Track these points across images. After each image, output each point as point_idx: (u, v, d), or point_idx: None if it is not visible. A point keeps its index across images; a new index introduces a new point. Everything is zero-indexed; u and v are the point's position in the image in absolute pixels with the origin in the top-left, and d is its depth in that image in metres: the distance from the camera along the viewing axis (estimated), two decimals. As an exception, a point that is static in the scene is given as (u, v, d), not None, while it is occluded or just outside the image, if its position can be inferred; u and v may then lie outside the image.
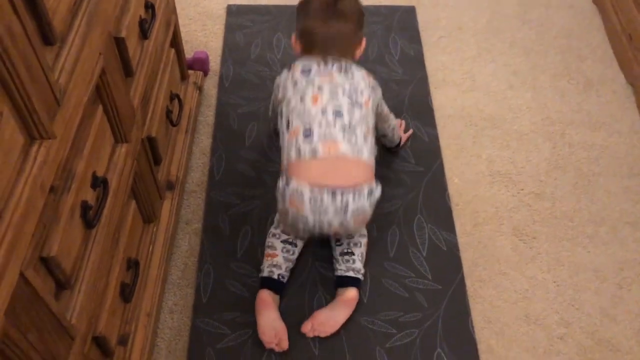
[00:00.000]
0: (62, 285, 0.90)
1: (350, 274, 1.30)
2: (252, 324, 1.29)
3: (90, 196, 0.97)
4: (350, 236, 1.34)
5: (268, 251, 1.34)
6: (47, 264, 0.84)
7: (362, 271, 1.32)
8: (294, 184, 1.19)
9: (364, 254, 1.35)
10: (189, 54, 1.74)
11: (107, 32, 1.03)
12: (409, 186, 1.53)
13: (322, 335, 1.26)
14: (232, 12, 1.93)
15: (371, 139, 1.25)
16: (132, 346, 1.21)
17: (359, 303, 1.32)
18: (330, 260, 1.37)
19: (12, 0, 0.69)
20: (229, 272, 1.37)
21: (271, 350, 1.26)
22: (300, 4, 1.32)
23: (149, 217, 1.35)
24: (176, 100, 1.49)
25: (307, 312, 1.30)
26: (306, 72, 1.27)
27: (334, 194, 1.17)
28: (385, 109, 1.40)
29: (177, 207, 1.47)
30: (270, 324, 1.26)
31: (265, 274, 1.31)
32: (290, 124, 1.23)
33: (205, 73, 1.77)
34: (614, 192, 1.55)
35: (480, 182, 1.56)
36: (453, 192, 1.54)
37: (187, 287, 1.38)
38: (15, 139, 0.72)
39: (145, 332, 1.26)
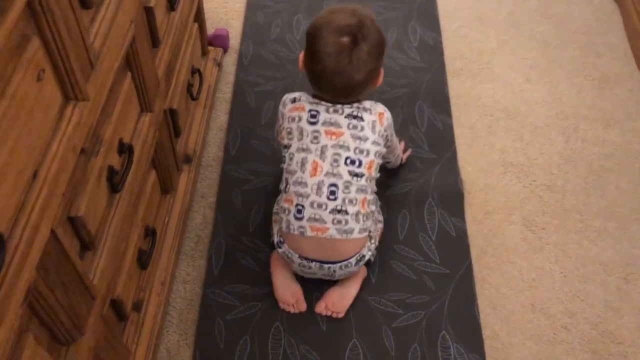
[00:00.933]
0: (86, 246, 0.92)
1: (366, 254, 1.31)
2: (261, 297, 1.32)
3: (116, 161, 0.99)
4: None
5: (275, 217, 1.34)
6: (74, 223, 0.87)
7: (374, 252, 1.33)
8: (285, 248, 1.25)
9: (378, 238, 1.36)
10: (209, 30, 1.75)
11: (139, 1, 1.05)
12: (421, 171, 1.54)
13: (337, 314, 1.29)
14: (254, -10, 1.94)
15: (366, 208, 1.21)
16: (145, 313, 1.24)
17: (368, 282, 1.35)
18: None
19: (57, -38, 0.71)
20: (241, 246, 1.40)
21: (284, 312, 1.30)
22: (312, 36, 1.15)
23: (166, 188, 1.37)
24: (197, 75, 1.51)
25: (315, 288, 1.33)
26: (313, 117, 1.19)
27: (321, 265, 1.23)
28: (394, 140, 1.34)
29: (194, 180, 1.49)
30: (287, 283, 1.30)
31: (277, 238, 1.31)
32: (288, 187, 1.21)
33: (225, 50, 1.79)
34: (625, 188, 1.56)
35: (493, 171, 1.58)
36: (465, 180, 1.55)
37: (200, 258, 1.40)
38: (54, 98, 0.74)
39: (159, 300, 1.28)
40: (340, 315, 1.29)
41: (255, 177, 1.51)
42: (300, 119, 1.21)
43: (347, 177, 1.18)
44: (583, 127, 1.68)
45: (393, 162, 1.49)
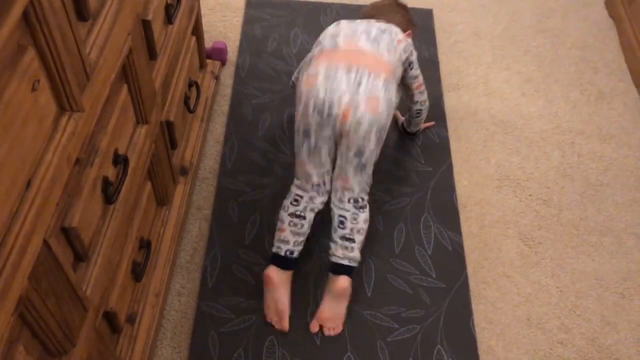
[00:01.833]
0: (80, 257, 0.92)
1: (345, 262, 1.29)
2: (256, 310, 1.31)
3: (111, 172, 0.99)
4: (354, 220, 1.31)
5: (278, 225, 1.34)
6: (68, 234, 0.86)
7: (359, 259, 1.31)
8: (312, 68, 1.27)
9: (363, 241, 1.34)
10: (208, 43, 1.76)
11: (136, 14, 1.05)
12: (417, 185, 1.54)
13: (334, 332, 1.28)
14: (252, 4, 1.95)
15: (395, 60, 1.31)
16: (139, 325, 1.23)
17: (364, 296, 1.34)
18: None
19: (54, -27, 0.71)
20: (236, 258, 1.39)
21: (272, 327, 1.29)
22: None
23: (162, 199, 1.37)
24: (194, 87, 1.51)
25: (311, 301, 1.32)
26: (350, 21, 1.37)
27: (349, 69, 1.23)
28: (420, 76, 1.46)
29: (190, 192, 1.49)
30: (273, 301, 1.29)
31: (273, 249, 1.32)
32: (321, 45, 1.32)
33: (223, 63, 1.79)
34: (621, 203, 1.56)
35: (489, 185, 1.58)
36: (461, 193, 1.56)
37: (195, 271, 1.39)
38: (48, 108, 0.74)
39: (153, 312, 1.27)
40: (338, 330, 1.28)
41: (251, 189, 1.51)
42: (325, 37, 1.36)
43: (377, 33, 1.32)
44: (579, 142, 1.69)
45: (416, 109, 1.53)
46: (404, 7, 1.52)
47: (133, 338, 1.21)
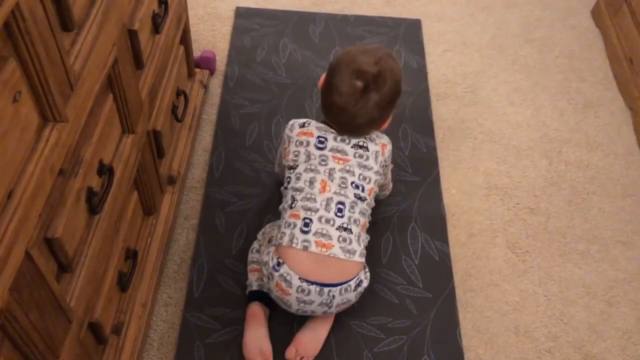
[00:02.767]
0: (64, 268, 0.91)
1: None
2: (242, 321, 1.30)
3: (95, 183, 0.99)
4: None
5: (252, 266, 1.33)
6: (51, 245, 0.86)
7: (368, 279, 1.32)
8: (284, 269, 1.17)
9: None
10: (196, 52, 1.76)
11: (122, 24, 1.05)
12: (404, 195, 1.55)
13: (308, 359, 1.26)
14: (241, 14, 1.96)
15: (364, 234, 1.23)
16: (125, 336, 1.22)
17: (350, 306, 1.34)
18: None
19: (36, -16, 0.71)
20: (223, 269, 1.39)
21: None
22: (332, 65, 1.22)
23: (149, 209, 1.37)
24: (182, 97, 1.51)
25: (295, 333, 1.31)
26: (321, 143, 1.24)
27: (321, 289, 1.16)
28: (389, 176, 1.41)
29: (177, 202, 1.49)
30: (257, 341, 1.25)
31: (254, 287, 1.30)
32: (294, 203, 1.21)
33: (212, 72, 1.79)
34: (608, 211, 1.57)
35: (477, 194, 1.59)
36: (449, 202, 1.56)
37: (183, 281, 1.39)
38: (30, 119, 0.74)
39: (139, 323, 1.27)
40: (311, 359, 1.26)
41: (239, 199, 1.51)
42: (308, 143, 1.25)
43: (352, 198, 1.21)
44: (566, 150, 1.70)
45: (383, 194, 1.50)
46: (392, 97, 1.24)
47: (119, 349, 1.20)
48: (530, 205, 1.57)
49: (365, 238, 1.24)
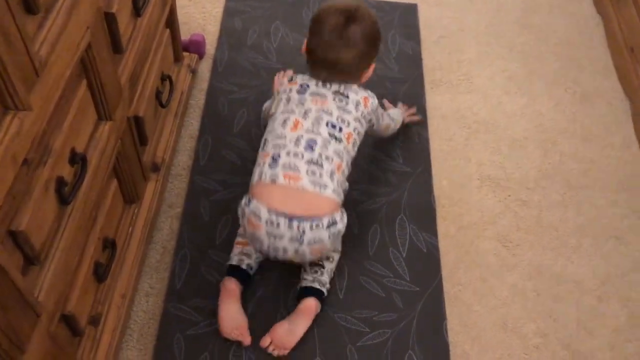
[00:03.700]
0: (31, 260, 0.88)
1: (316, 285, 1.27)
2: (226, 313, 1.28)
3: (67, 172, 0.95)
4: None
5: (239, 239, 1.32)
6: (15, 238, 0.83)
7: (328, 286, 1.30)
8: (253, 204, 1.17)
9: (334, 269, 1.32)
10: (185, 35, 1.72)
11: (97, 6, 1.01)
12: (394, 185, 1.51)
13: (281, 352, 1.23)
14: (232, -4, 1.91)
15: (340, 176, 1.20)
16: (103, 327, 1.20)
17: (335, 298, 1.31)
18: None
19: (-9, -35, 0.67)
20: (206, 259, 1.36)
21: (235, 341, 1.25)
22: (314, 18, 1.26)
23: (131, 197, 1.33)
24: (167, 82, 1.47)
25: (280, 318, 1.28)
26: (303, 89, 1.26)
27: (291, 220, 1.14)
28: (385, 121, 1.40)
29: (161, 189, 1.46)
30: (231, 315, 1.24)
31: (234, 261, 1.29)
32: (265, 145, 1.23)
33: (201, 56, 1.75)
34: (601, 205, 1.54)
35: (468, 185, 1.55)
36: (439, 194, 1.53)
37: (165, 270, 1.36)
38: (-14, 108, 0.71)
39: (118, 314, 1.24)
40: (285, 352, 1.23)
41: (224, 188, 1.48)
42: (291, 90, 1.27)
43: (326, 136, 1.21)
44: (561, 141, 1.66)
45: (392, 132, 1.51)
46: (372, 39, 1.26)
47: (96, 340, 1.18)
48: (522, 197, 1.54)
49: (342, 181, 1.22)
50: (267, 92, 1.66)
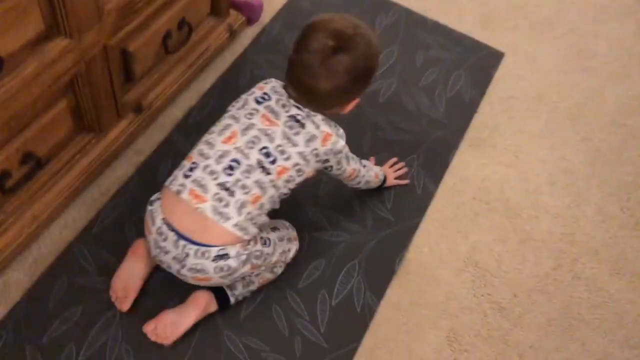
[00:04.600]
0: None
1: (225, 287, 1.16)
2: (123, 278, 1.19)
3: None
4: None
5: None
6: None
7: (239, 298, 1.18)
8: (155, 206, 1.09)
9: (254, 288, 1.20)
10: (245, -5, 1.63)
11: None
12: (366, 228, 1.34)
13: (163, 341, 1.13)
14: (317, -24, 1.79)
15: (255, 210, 1.06)
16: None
17: (234, 315, 1.18)
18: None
19: None
20: (136, 218, 1.27)
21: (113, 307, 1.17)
22: (305, 28, 1.07)
23: (90, 126, 1.28)
24: (186, 30, 1.39)
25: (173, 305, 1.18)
26: (263, 99, 1.10)
27: (179, 238, 1.04)
28: (349, 169, 1.19)
29: (135, 132, 1.39)
30: (127, 275, 1.17)
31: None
32: (197, 144, 1.11)
33: (252, 21, 1.66)
34: (591, 351, 1.27)
35: (450, 263, 1.34)
36: (413, 259, 1.33)
37: (93, 211, 1.30)
38: None
39: (21, 232, 1.20)
40: (167, 342, 1.13)
41: (193, 156, 1.38)
42: (253, 93, 1.13)
43: (253, 162, 1.06)
44: (584, 262, 1.39)
45: (365, 188, 1.32)
46: (360, 75, 1.08)
47: (-16, 249, 1.14)
48: (502, 303, 1.31)
49: (255, 215, 1.06)
50: (292, 81, 1.54)
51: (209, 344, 1.15)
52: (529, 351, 1.25)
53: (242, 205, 1.04)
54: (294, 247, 1.23)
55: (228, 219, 1.04)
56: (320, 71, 1.03)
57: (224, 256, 1.05)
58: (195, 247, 1.04)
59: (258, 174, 1.06)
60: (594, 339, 1.29)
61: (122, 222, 1.27)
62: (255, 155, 1.06)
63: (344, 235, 1.32)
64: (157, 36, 1.31)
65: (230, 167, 1.05)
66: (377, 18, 1.73)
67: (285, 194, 1.12)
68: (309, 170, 1.11)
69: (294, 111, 1.08)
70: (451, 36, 1.73)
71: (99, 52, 1.16)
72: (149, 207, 1.11)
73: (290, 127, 1.07)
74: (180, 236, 1.05)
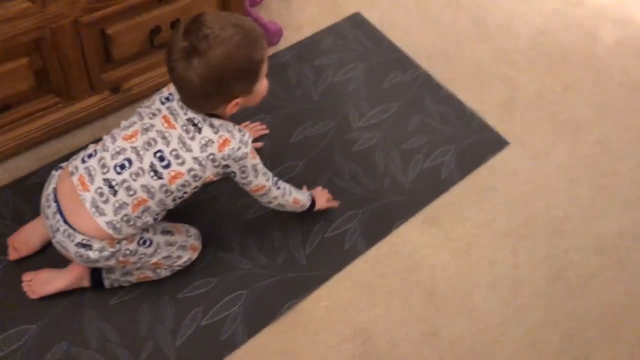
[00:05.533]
0: None
1: (104, 271, 1.22)
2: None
3: None
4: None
5: None
6: None
7: (113, 284, 1.23)
8: (56, 174, 1.15)
9: (134, 279, 1.24)
10: (270, 16, 1.68)
11: None
12: (274, 264, 1.32)
13: (30, 294, 1.21)
14: (350, 20, 1.80)
15: (136, 213, 1.08)
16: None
17: (103, 300, 1.22)
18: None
19: None
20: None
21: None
22: (179, 24, 1.02)
23: (58, 90, 1.38)
24: (179, 30, 1.46)
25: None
26: (168, 99, 1.10)
27: (55, 213, 1.09)
28: (255, 181, 1.15)
29: (107, 109, 1.48)
30: (30, 232, 1.25)
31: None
32: (106, 136, 1.13)
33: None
34: None
35: (340, 329, 1.28)
36: (306, 310, 1.28)
37: (37, 164, 1.40)
38: None
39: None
40: (33, 296, 1.20)
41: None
42: (161, 92, 1.14)
43: (146, 166, 1.07)
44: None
45: (278, 208, 1.26)
46: (238, 66, 1.01)
47: None
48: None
49: (133, 218, 1.08)
50: (290, 116, 1.55)
51: (68, 316, 1.20)
52: None
53: (121, 207, 1.07)
54: (186, 255, 1.24)
55: (103, 214, 1.07)
56: (183, 75, 0.99)
57: (86, 246, 1.08)
58: (65, 227, 1.08)
59: (147, 179, 1.07)
60: None
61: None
62: (149, 158, 1.07)
63: (247, 264, 1.31)
64: (143, 28, 1.39)
65: (122, 166, 1.07)
66: (392, 73, 1.70)
67: (181, 197, 1.13)
68: (207, 175, 1.10)
69: (191, 114, 1.07)
70: (460, 111, 1.66)
71: (68, 24, 1.25)
72: (53, 172, 1.17)
73: (187, 131, 1.07)
74: (59, 211, 1.09)
